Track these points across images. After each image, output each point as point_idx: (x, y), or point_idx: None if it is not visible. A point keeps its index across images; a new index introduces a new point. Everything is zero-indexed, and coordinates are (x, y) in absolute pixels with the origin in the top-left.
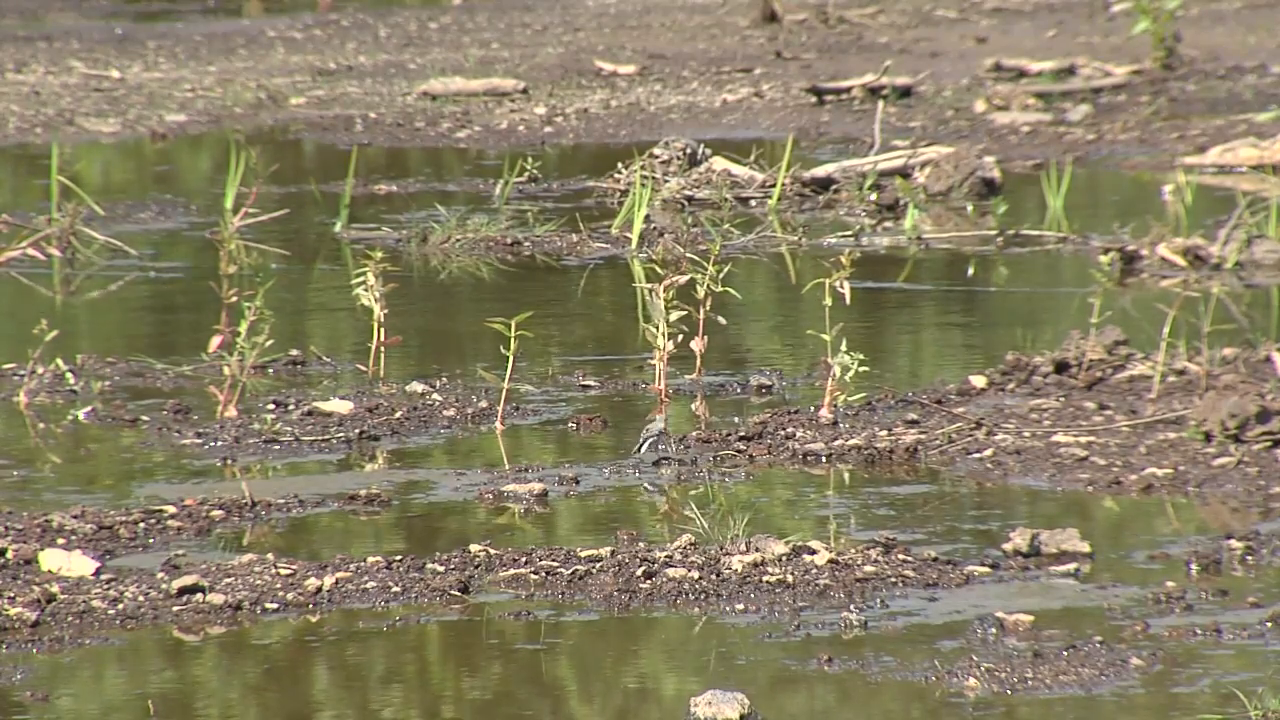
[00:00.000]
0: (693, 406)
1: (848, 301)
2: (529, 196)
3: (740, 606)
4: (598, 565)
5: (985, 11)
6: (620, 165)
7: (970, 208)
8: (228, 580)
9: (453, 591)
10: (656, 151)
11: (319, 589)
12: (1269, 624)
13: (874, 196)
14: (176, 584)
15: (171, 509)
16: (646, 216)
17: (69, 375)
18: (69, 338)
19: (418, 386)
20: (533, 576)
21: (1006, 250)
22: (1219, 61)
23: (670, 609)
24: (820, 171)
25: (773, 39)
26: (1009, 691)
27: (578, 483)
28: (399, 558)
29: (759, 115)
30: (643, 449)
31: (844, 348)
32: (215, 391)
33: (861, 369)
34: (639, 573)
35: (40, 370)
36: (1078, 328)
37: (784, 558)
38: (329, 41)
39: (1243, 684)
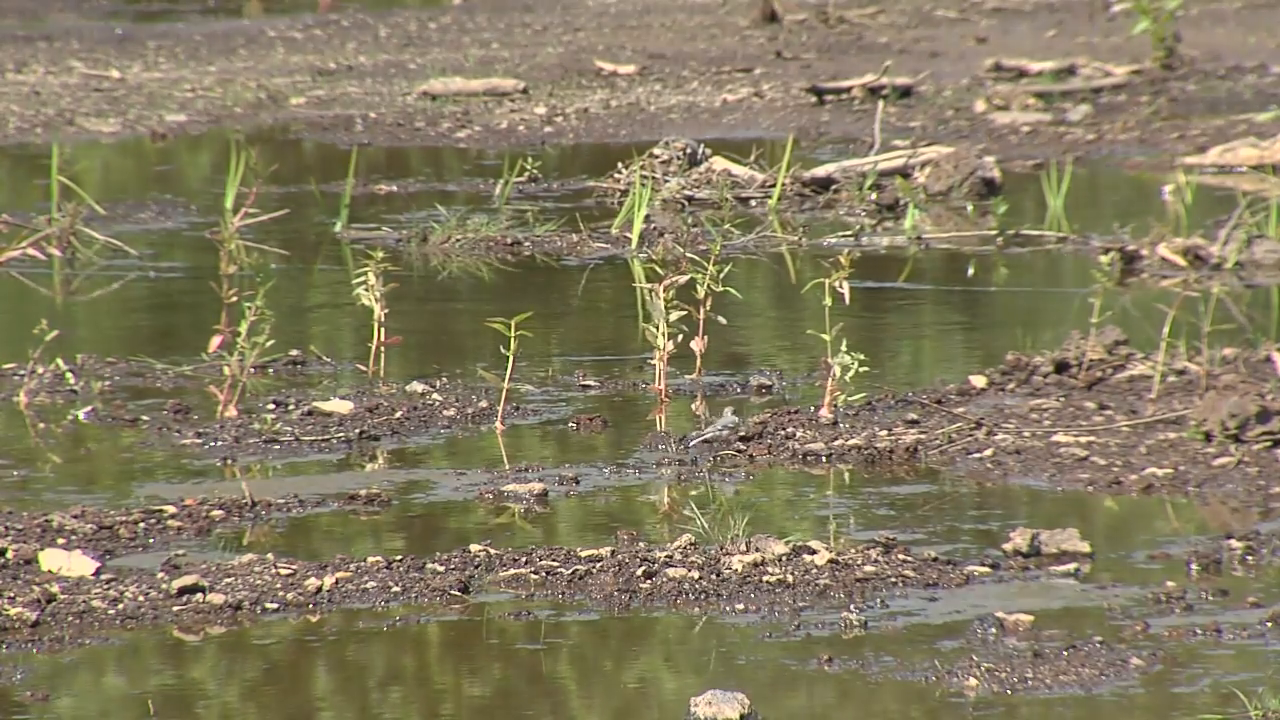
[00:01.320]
0: (693, 406)
1: (847, 301)
2: (529, 196)
3: (740, 606)
4: (598, 565)
5: (985, 11)
6: (620, 165)
7: (970, 208)
8: (228, 580)
9: (453, 591)
10: (656, 151)
11: (319, 589)
12: (1269, 624)
13: (874, 196)
14: (176, 584)
15: (171, 509)
16: (646, 216)
17: (69, 375)
18: (69, 338)
19: (418, 386)
20: (533, 576)
21: (1006, 250)
22: (1219, 61)
23: (670, 609)
24: (820, 171)
25: (773, 39)
26: (1009, 691)
27: (578, 483)
28: (399, 558)
29: (759, 115)
30: (696, 439)
31: (844, 348)
32: (215, 391)
33: (861, 369)
34: (639, 573)
35: (40, 370)
36: (1078, 328)
37: (784, 558)
38: (329, 41)
39: (1243, 684)
